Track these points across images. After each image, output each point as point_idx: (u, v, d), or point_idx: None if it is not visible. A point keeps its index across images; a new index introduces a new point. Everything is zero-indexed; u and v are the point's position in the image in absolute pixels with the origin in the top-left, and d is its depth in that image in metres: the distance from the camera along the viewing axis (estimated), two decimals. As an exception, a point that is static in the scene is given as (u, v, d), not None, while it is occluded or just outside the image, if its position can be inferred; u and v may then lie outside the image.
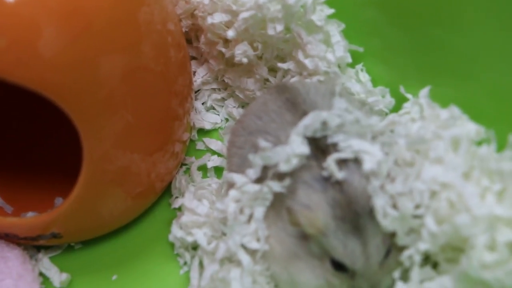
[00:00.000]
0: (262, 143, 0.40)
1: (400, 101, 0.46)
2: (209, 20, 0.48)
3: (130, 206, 0.49)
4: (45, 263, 0.48)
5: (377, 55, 0.48)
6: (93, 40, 0.40)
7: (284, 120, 0.42)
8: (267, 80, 0.51)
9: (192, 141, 0.54)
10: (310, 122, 0.39)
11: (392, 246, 0.39)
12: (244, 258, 0.41)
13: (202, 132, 0.54)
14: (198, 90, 0.55)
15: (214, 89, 0.55)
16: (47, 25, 0.38)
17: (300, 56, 0.47)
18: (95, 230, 0.49)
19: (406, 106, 0.44)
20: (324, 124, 0.40)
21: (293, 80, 0.48)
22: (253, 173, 0.41)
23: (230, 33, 0.47)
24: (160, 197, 0.51)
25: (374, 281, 0.38)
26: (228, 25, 0.48)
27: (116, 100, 0.42)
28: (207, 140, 0.53)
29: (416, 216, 0.38)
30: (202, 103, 0.55)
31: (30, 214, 0.50)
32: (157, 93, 0.45)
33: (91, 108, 0.41)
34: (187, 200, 0.47)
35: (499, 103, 0.42)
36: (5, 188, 0.52)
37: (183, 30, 0.53)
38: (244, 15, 0.46)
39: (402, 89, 0.45)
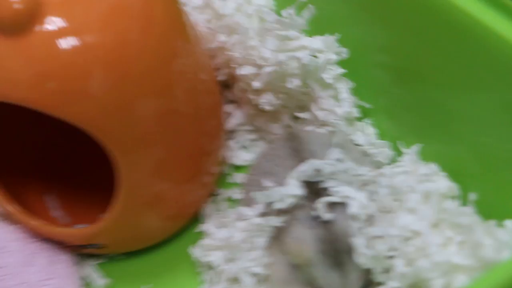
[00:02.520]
0: (266, 182, 0.48)
1: (400, 154, 0.51)
2: (239, 71, 0.56)
3: (162, 227, 0.56)
4: (90, 269, 0.56)
5: (383, 111, 0.53)
6: (132, 85, 0.46)
7: (287, 165, 0.49)
8: (290, 126, 0.58)
9: (224, 174, 0.61)
10: (305, 168, 0.46)
11: (370, 281, 0.45)
12: (248, 280, 0.48)
13: (235, 167, 0.61)
14: (234, 131, 0.62)
15: (247, 130, 0.62)
16: (94, 71, 0.44)
17: (314, 108, 0.54)
18: (133, 244, 0.56)
19: (400, 159, 0.50)
20: (318, 171, 0.46)
21: (308, 128, 0.55)
22: (259, 208, 0.48)
23: (256, 84, 0.54)
24: (192, 220, 0.58)
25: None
26: (255, 76, 0.55)
27: (150, 137, 0.49)
28: (237, 175, 0.60)
29: (389, 257, 0.44)
30: (237, 142, 0.62)
31: (80, 226, 0.58)
32: (188, 133, 0.52)
33: (127, 144, 0.48)
34: (209, 226, 0.54)
35: (483, 163, 0.47)
36: (65, 201, 0.60)
37: (223, 77, 0.60)
38: (267, 69, 0.53)
39: (399, 144, 0.51)
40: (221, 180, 0.60)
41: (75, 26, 0.44)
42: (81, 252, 0.56)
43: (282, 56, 0.52)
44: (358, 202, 0.45)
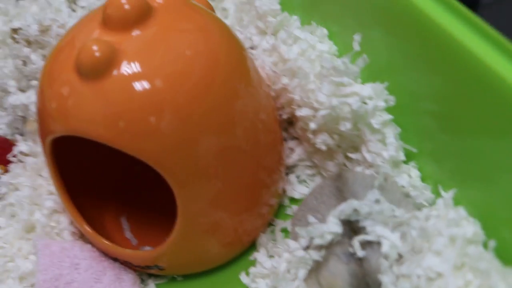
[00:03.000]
0: (310, 218, 0.52)
1: (439, 197, 0.54)
2: (298, 112, 0.60)
3: (221, 252, 0.60)
4: (151, 288, 0.61)
5: (428, 156, 0.56)
6: (195, 125, 0.51)
7: (331, 203, 0.53)
8: (344, 164, 0.61)
9: (283, 206, 0.65)
10: (345, 208, 0.50)
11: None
12: (287, 308, 0.52)
13: (293, 200, 0.65)
14: (295, 165, 0.67)
15: (306, 166, 0.66)
16: (161, 113, 0.49)
17: (364, 150, 0.57)
18: (192, 267, 0.61)
19: (438, 203, 0.53)
20: (356, 211, 0.50)
21: (357, 168, 0.58)
22: (304, 241, 0.52)
23: (312, 125, 0.59)
24: (249, 248, 0.62)
25: None
26: (312, 118, 0.59)
27: (209, 171, 0.53)
28: (294, 207, 0.64)
29: (413, 295, 0.47)
30: (297, 176, 0.66)
31: (146, 248, 0.64)
32: (246, 167, 0.56)
33: (187, 177, 0.52)
34: (260, 255, 0.59)
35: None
36: (136, 223, 0.66)
37: (286, 116, 0.65)
38: (321, 112, 0.57)
39: (440, 188, 0.54)
40: (279, 211, 0.65)
41: (146, 71, 0.50)
42: (144, 272, 0.61)
43: (335, 101, 0.56)
44: (390, 242, 0.48)
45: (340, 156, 0.61)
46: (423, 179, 0.57)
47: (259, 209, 0.60)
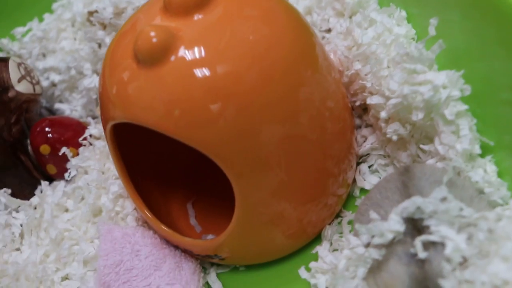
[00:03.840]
0: (373, 214, 0.49)
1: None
2: (369, 100, 0.57)
3: (284, 244, 0.58)
4: (212, 277, 0.60)
5: (507, 149, 0.52)
6: (256, 114, 0.49)
7: (395, 199, 0.50)
8: (418, 156, 0.58)
9: (353, 197, 0.62)
10: (408, 205, 0.47)
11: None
12: (345, 307, 0.50)
13: (364, 191, 0.62)
14: (368, 154, 0.63)
15: (380, 155, 0.63)
16: (221, 100, 0.48)
17: (436, 142, 0.54)
18: (254, 258, 0.59)
19: (510, 202, 0.49)
20: (420, 209, 0.47)
21: (430, 161, 0.55)
22: (365, 238, 0.50)
23: (383, 114, 0.55)
24: (316, 239, 0.60)
25: None
26: (384, 106, 0.56)
27: (271, 161, 0.51)
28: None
29: (475, 303, 0.43)
30: (369, 166, 0.63)
31: (210, 236, 0.62)
32: (311, 157, 0.54)
33: (246, 168, 0.50)
34: (322, 248, 0.57)
35: None
36: (201, 211, 0.66)
37: (360, 102, 0.62)
38: (392, 101, 0.54)
39: (515, 186, 0.50)
40: (348, 202, 0.62)
41: (206, 58, 0.48)
42: (206, 260, 0.60)
43: (406, 89, 0.52)
44: (454, 243, 0.44)
45: (413, 147, 0.57)
46: (499, 175, 0.52)
47: (325, 200, 0.58)
